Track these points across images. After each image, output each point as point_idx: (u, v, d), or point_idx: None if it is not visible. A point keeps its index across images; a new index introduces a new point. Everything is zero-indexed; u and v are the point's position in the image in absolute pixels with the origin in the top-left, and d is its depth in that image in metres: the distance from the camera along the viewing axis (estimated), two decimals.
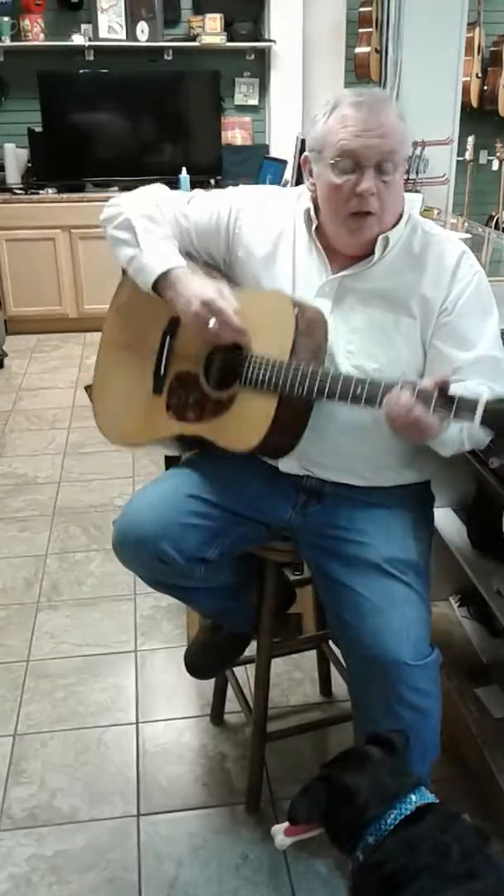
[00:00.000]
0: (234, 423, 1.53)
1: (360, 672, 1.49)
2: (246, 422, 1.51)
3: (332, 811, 1.32)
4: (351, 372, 1.50)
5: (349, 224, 1.45)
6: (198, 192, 1.70)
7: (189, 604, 1.84)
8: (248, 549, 1.66)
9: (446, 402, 1.27)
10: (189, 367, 1.61)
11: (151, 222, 1.60)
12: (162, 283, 1.54)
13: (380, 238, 1.48)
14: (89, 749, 2.01)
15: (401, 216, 1.51)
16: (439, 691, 1.48)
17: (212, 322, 1.47)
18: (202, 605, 1.79)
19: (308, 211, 1.53)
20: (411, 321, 1.49)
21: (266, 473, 1.59)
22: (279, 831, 1.39)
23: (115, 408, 1.76)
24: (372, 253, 1.49)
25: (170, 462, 1.72)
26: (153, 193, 1.67)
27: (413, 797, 1.31)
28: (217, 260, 1.65)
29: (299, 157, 1.79)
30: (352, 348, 1.51)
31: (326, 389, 1.40)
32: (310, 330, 1.46)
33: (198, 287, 1.50)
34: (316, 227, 1.53)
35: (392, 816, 1.28)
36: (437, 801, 1.34)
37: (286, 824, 1.37)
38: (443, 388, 1.27)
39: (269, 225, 1.58)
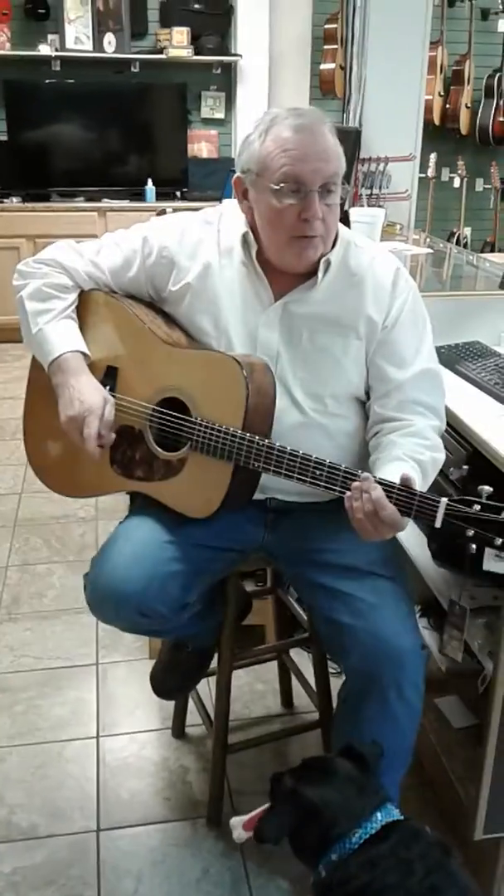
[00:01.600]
0: (187, 488, 1.51)
1: (360, 671, 1.47)
2: (200, 489, 1.50)
3: (298, 828, 1.32)
4: (303, 402, 1.52)
5: (294, 247, 1.44)
6: (106, 238, 1.65)
7: (158, 637, 1.82)
8: (222, 577, 1.66)
9: (409, 499, 1.31)
10: (132, 422, 1.58)
11: (42, 301, 1.59)
12: (51, 370, 1.57)
13: (322, 261, 1.48)
14: (49, 764, 1.99)
15: (336, 235, 1.51)
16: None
17: (84, 431, 1.50)
18: (171, 636, 1.79)
19: (245, 235, 1.50)
20: (359, 343, 1.51)
21: None
22: (238, 824, 1.38)
23: (53, 458, 1.70)
24: (314, 273, 1.49)
25: (134, 495, 1.68)
26: (59, 254, 1.64)
27: (379, 815, 1.32)
28: (146, 298, 1.62)
29: None
30: (304, 376, 1.52)
31: (284, 468, 1.41)
32: (260, 393, 1.45)
33: (84, 390, 1.53)
34: (256, 252, 1.50)
35: (357, 835, 1.29)
36: (403, 817, 1.35)
37: (245, 817, 1.37)
38: (405, 483, 1.31)
39: (194, 256, 1.54)
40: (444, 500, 1.29)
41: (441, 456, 1.51)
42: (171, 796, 1.90)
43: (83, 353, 1.58)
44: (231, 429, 1.44)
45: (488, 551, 1.50)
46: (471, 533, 1.27)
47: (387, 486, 1.31)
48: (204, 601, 1.65)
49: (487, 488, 1.36)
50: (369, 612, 1.46)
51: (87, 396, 1.53)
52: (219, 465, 1.46)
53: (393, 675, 1.43)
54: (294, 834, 1.35)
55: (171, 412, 1.52)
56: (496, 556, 1.49)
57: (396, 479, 1.33)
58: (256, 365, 1.47)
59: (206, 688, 2.07)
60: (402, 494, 1.31)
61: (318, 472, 1.39)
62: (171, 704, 2.07)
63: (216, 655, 1.80)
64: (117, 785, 1.93)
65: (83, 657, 2.36)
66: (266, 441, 1.42)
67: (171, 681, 1.88)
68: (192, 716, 2.04)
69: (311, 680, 1.88)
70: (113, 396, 1.57)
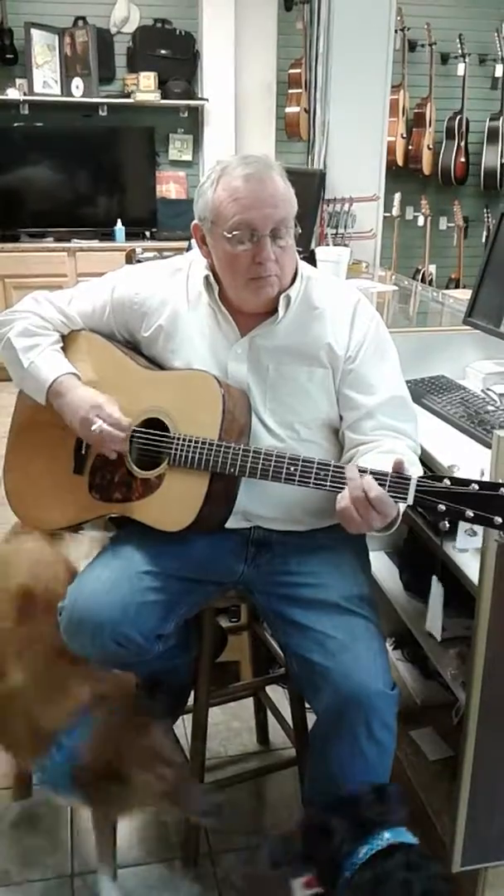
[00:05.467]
0: (164, 502, 1.53)
1: (330, 711, 1.47)
2: (177, 501, 1.51)
3: (313, 851, 1.33)
4: (277, 430, 1.55)
5: (251, 287, 1.50)
6: (80, 286, 1.72)
7: (132, 672, 1.80)
8: (199, 610, 1.65)
9: (381, 480, 1.34)
10: None
11: (30, 337, 1.64)
12: (50, 396, 1.61)
13: (282, 297, 1.53)
14: (21, 808, 1.95)
15: (296, 272, 1.57)
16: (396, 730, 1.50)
17: (96, 424, 1.52)
18: (145, 671, 1.77)
19: (207, 277, 1.57)
20: (324, 371, 1.56)
21: (212, 533, 1.58)
22: (298, 887, 1.38)
23: (33, 491, 1.72)
24: (275, 310, 1.54)
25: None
26: (33, 305, 1.68)
27: (387, 834, 1.32)
28: (121, 341, 1.68)
29: None
30: (273, 406, 1.56)
31: (259, 470, 1.45)
32: (236, 409, 1.50)
33: (85, 395, 1.57)
34: (218, 292, 1.56)
35: (364, 851, 1.29)
36: (415, 842, 1.35)
37: (302, 878, 1.37)
38: (397, 469, 1.34)
39: (164, 303, 1.60)
40: (415, 476, 1.34)
41: (417, 470, 1.52)
42: (145, 838, 1.88)
43: (76, 375, 1.62)
44: (207, 439, 1.47)
45: (461, 530, 1.54)
46: (442, 508, 1.31)
47: (359, 469, 1.36)
48: (178, 637, 1.64)
49: (456, 465, 1.40)
50: (341, 651, 1.46)
51: (89, 399, 1.56)
52: (195, 476, 1.48)
53: (363, 717, 1.44)
54: (312, 860, 1.35)
55: (148, 431, 1.55)
56: (468, 533, 1.53)
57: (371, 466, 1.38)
58: (231, 384, 1.53)
59: (182, 726, 2.05)
60: (373, 475, 1.35)
61: (292, 469, 1.43)
62: None
63: (191, 694, 1.79)
64: (91, 828, 1.89)
65: None
66: (241, 445, 1.46)
67: None
68: None
69: (288, 716, 1.88)
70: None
